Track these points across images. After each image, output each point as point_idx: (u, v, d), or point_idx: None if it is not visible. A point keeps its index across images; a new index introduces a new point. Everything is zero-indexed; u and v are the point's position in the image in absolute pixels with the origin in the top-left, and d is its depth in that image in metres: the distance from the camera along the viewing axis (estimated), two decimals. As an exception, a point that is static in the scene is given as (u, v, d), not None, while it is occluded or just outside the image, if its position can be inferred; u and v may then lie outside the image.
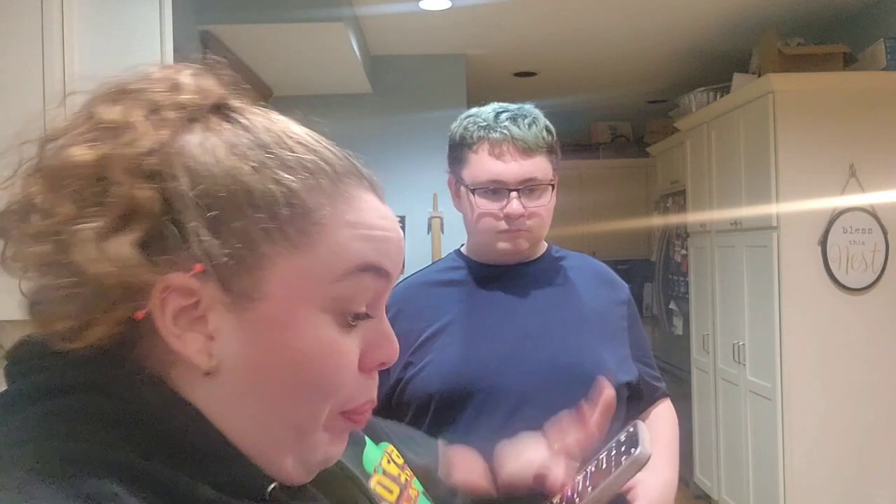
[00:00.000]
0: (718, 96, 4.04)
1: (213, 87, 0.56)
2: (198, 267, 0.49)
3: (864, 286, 3.29)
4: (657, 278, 5.01)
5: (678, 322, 4.68)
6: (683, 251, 4.58)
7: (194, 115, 0.53)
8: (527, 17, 3.63)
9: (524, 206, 1.37)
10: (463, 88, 4.30)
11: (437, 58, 4.29)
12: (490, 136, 1.38)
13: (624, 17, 3.69)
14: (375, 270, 0.54)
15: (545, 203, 1.40)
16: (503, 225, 1.38)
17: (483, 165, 1.38)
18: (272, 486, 0.52)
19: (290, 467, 0.54)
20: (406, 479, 0.75)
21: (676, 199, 4.72)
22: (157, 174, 0.50)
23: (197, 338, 0.50)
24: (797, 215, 3.27)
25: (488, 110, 1.42)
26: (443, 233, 4.23)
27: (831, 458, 3.29)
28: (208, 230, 0.49)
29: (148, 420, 0.49)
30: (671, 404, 1.53)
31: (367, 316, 0.55)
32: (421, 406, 1.34)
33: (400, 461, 0.76)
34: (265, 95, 3.88)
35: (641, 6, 3.53)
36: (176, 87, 0.54)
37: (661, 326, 4.98)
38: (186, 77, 0.55)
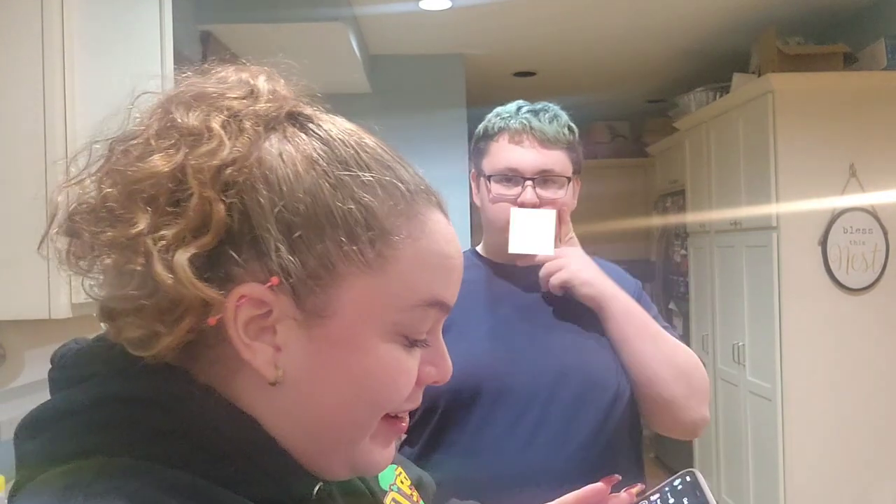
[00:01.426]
0: (718, 96, 4.04)
1: (286, 93, 0.56)
2: (274, 280, 0.49)
3: (864, 286, 3.29)
4: (657, 278, 5.02)
5: (678, 322, 4.69)
6: (683, 251, 4.58)
7: (271, 123, 0.53)
8: (527, 17, 3.63)
9: (539, 197, 1.36)
10: (462, 88, 4.30)
11: (436, 58, 4.29)
12: (510, 125, 1.40)
13: (624, 17, 3.68)
14: (441, 305, 0.56)
15: (561, 197, 1.39)
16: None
17: (501, 153, 1.39)
18: (317, 486, 0.54)
19: (336, 469, 0.56)
20: (417, 499, 0.76)
21: (676, 198, 4.72)
22: (235, 185, 0.50)
23: (265, 348, 0.51)
24: (797, 215, 3.27)
25: (512, 105, 1.44)
26: (443, 233, 4.22)
27: (832, 458, 3.29)
28: (287, 245, 0.50)
29: (200, 430, 0.49)
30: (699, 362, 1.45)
31: (425, 343, 0.57)
32: (429, 405, 1.34)
33: (408, 482, 0.77)
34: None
35: (641, 6, 3.53)
36: (252, 94, 0.54)
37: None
38: (262, 82, 0.56)
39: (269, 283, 0.49)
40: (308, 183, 0.51)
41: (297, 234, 0.50)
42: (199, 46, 2.93)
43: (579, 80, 4.90)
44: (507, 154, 1.39)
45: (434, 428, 1.33)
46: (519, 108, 1.42)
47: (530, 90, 5.03)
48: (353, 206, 0.51)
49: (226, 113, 0.52)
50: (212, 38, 2.99)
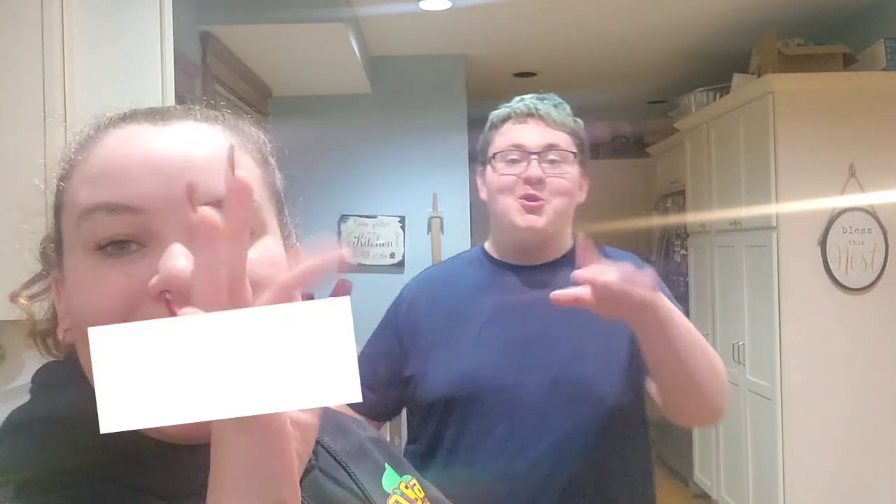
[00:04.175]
0: (718, 96, 4.04)
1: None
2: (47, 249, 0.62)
3: (863, 286, 3.29)
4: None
5: (678, 322, 4.68)
6: (683, 251, 4.59)
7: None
8: (527, 17, 3.63)
9: (545, 172, 1.34)
10: (463, 89, 4.30)
11: (436, 58, 4.30)
12: (515, 110, 1.40)
13: (624, 18, 3.69)
14: (104, 206, 0.57)
15: (568, 172, 1.36)
16: (521, 189, 1.35)
17: (505, 135, 1.39)
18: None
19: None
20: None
21: (676, 199, 4.73)
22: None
23: (61, 307, 0.60)
24: (797, 215, 3.27)
25: (516, 98, 1.44)
26: (443, 233, 4.22)
27: (831, 457, 3.29)
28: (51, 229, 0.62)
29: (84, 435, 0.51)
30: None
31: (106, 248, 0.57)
32: (429, 405, 1.33)
33: (421, 494, 0.77)
34: (265, 95, 3.88)
35: (642, 7, 3.53)
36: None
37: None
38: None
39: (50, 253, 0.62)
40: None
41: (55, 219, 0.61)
42: (199, 47, 2.93)
43: (580, 81, 4.90)
44: (511, 134, 1.38)
45: (435, 428, 1.33)
46: (522, 98, 1.43)
47: (531, 91, 5.01)
48: (62, 175, 0.62)
49: None
50: (212, 39, 2.99)
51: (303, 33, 3.09)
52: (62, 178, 0.60)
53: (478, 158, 1.48)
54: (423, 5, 3.42)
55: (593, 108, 5.77)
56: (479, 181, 1.46)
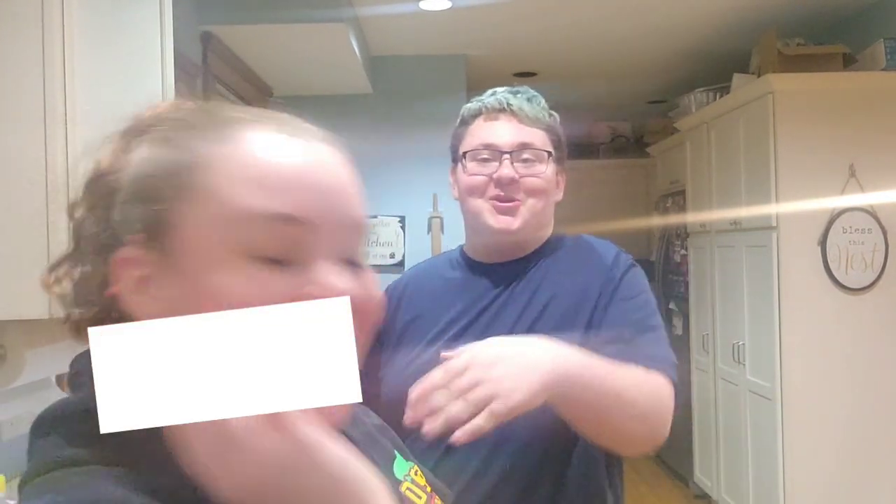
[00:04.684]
0: (718, 96, 4.05)
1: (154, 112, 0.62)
2: (138, 237, 0.55)
3: (863, 286, 3.29)
4: (657, 278, 5.02)
5: (678, 322, 4.69)
6: (683, 251, 4.59)
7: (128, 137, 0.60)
8: (527, 17, 3.63)
9: (518, 172, 1.28)
10: (463, 89, 4.30)
11: (437, 58, 4.30)
12: (486, 104, 1.33)
13: (625, 18, 3.69)
14: (283, 217, 0.55)
15: (542, 172, 1.30)
16: (492, 191, 1.28)
17: (477, 132, 1.32)
18: None
19: None
20: (431, 491, 0.76)
21: (676, 199, 4.73)
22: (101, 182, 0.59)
23: (143, 301, 0.55)
24: (797, 215, 3.27)
25: (488, 91, 1.38)
26: (443, 233, 4.23)
27: (831, 457, 3.29)
28: (136, 205, 0.55)
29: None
30: (667, 384, 1.21)
31: (289, 262, 0.55)
32: (389, 409, 1.29)
33: (423, 481, 0.78)
34: (266, 95, 3.88)
35: (642, 7, 3.53)
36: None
37: (661, 326, 4.98)
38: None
39: (132, 241, 0.55)
40: (140, 156, 0.57)
41: (139, 196, 0.56)
42: (200, 47, 2.93)
43: (580, 81, 4.90)
44: (482, 132, 1.31)
45: (396, 430, 1.27)
46: (494, 91, 1.35)
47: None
48: (166, 154, 0.56)
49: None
50: (212, 39, 2.99)
51: (303, 33, 3.09)
52: (175, 167, 0.55)
53: (451, 151, 1.40)
54: (424, 5, 3.43)
55: (593, 107, 5.77)
56: (451, 179, 1.40)
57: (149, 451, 0.51)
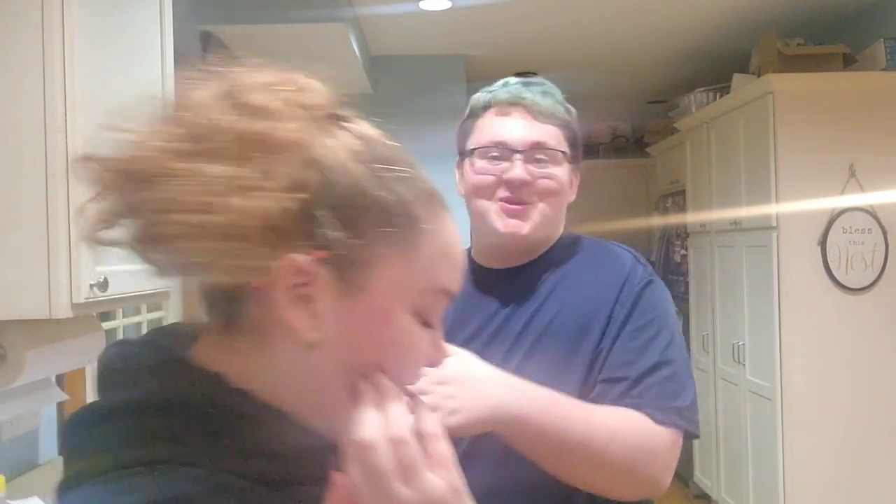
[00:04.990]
0: (718, 96, 4.05)
1: (329, 94, 0.60)
2: (323, 254, 0.54)
3: (863, 286, 3.29)
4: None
5: (678, 322, 4.68)
6: (683, 251, 4.59)
7: (318, 117, 0.58)
8: (527, 17, 3.63)
9: (529, 174, 1.18)
10: (463, 89, 4.30)
11: (437, 58, 4.30)
12: (498, 97, 1.23)
13: (625, 18, 3.69)
14: (448, 294, 0.62)
15: (556, 174, 1.19)
16: (502, 192, 1.19)
17: (487, 128, 1.22)
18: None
19: (340, 430, 0.58)
20: None
21: (676, 199, 4.73)
22: (299, 162, 0.54)
23: (302, 314, 0.55)
24: (797, 215, 3.27)
25: (499, 81, 1.27)
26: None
27: (831, 458, 3.29)
28: (334, 224, 0.55)
29: (237, 432, 0.55)
30: (666, 432, 1.12)
31: (432, 326, 0.62)
32: None
33: None
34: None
35: (642, 7, 3.53)
36: (305, 89, 0.59)
37: (661, 326, 4.98)
38: (307, 81, 0.61)
39: (317, 255, 0.54)
40: (353, 172, 0.56)
41: (344, 216, 0.55)
42: (199, 46, 2.93)
43: (580, 81, 4.90)
44: (493, 128, 1.21)
45: None
46: (506, 82, 1.25)
47: (530, 90, 5.02)
48: (389, 196, 0.57)
49: (286, 101, 0.57)
50: (212, 38, 2.99)
51: (303, 33, 3.09)
52: (403, 218, 0.58)
53: (457, 144, 1.30)
54: (424, 5, 3.43)
55: (593, 107, 5.77)
56: (457, 174, 1.30)
57: (226, 447, 0.54)
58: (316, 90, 0.59)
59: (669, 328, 1.21)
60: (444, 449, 0.56)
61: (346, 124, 0.59)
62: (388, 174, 0.58)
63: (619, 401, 1.12)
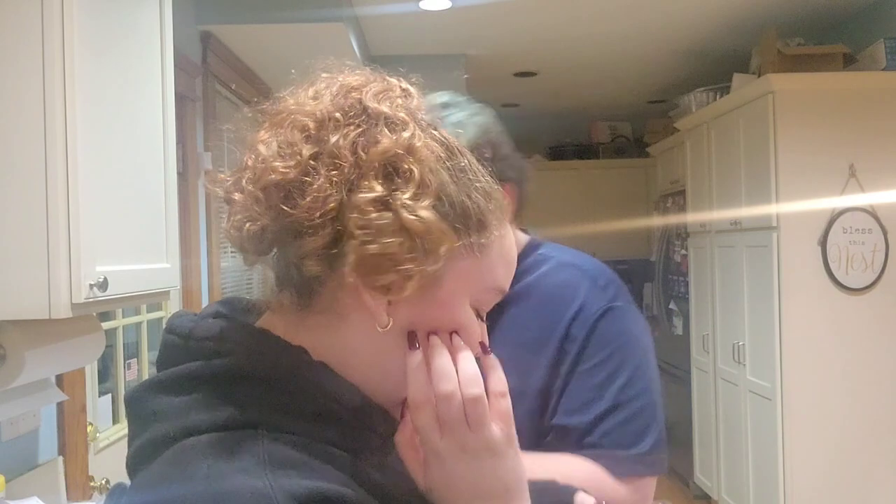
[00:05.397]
0: (718, 96, 4.04)
1: (418, 100, 0.69)
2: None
3: (864, 286, 3.29)
4: (657, 278, 5.02)
5: (678, 322, 4.69)
6: (683, 251, 4.59)
7: (422, 124, 0.65)
8: (527, 17, 3.63)
9: None
10: (463, 89, 4.30)
11: (437, 58, 4.30)
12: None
13: (625, 18, 3.69)
14: (502, 293, 0.70)
15: None
16: None
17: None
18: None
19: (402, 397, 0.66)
20: None
21: (676, 199, 4.73)
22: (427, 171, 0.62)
23: (382, 301, 0.62)
24: (797, 215, 3.27)
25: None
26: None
27: (831, 457, 3.29)
28: None
29: (319, 401, 0.61)
30: (619, 487, 1.06)
31: (483, 320, 0.70)
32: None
33: None
34: (265, 95, 3.88)
35: (641, 6, 3.53)
36: (405, 95, 0.69)
37: (661, 326, 4.99)
38: (407, 85, 0.72)
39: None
40: (443, 179, 0.63)
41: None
42: (199, 46, 2.93)
43: (580, 81, 4.90)
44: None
45: None
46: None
47: (531, 90, 5.03)
48: (469, 202, 0.64)
49: (394, 107, 0.65)
50: (212, 39, 2.99)
51: (303, 33, 3.08)
52: (481, 226, 0.66)
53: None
54: (423, 5, 3.42)
55: (593, 107, 5.77)
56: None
57: (310, 415, 0.60)
58: (415, 95, 0.69)
59: (632, 360, 1.12)
60: (506, 405, 0.65)
61: (433, 131, 0.66)
62: (468, 181, 0.65)
63: (575, 449, 1.06)
